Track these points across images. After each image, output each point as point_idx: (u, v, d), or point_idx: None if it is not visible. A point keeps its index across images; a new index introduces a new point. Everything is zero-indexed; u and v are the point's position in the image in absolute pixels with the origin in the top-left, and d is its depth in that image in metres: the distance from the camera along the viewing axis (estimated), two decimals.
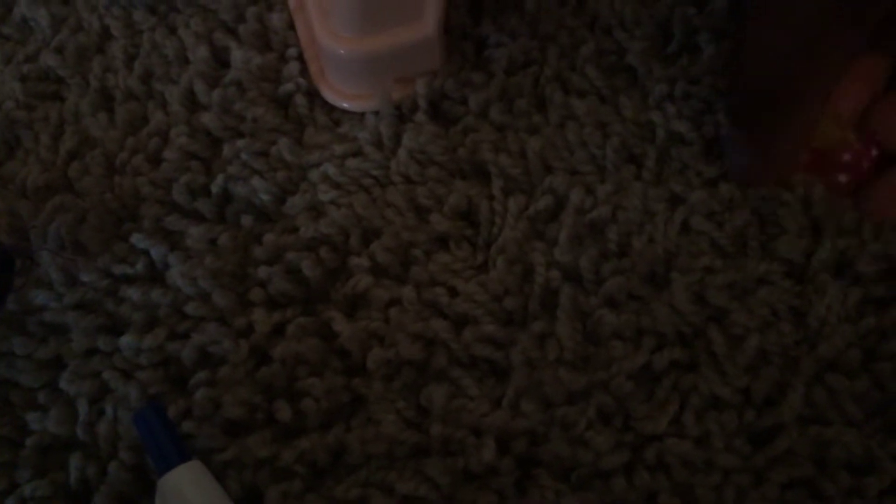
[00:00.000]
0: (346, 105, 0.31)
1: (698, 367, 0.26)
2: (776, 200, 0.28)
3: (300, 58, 0.32)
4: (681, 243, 0.28)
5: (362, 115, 0.31)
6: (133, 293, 0.27)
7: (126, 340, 0.26)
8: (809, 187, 0.28)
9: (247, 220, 0.29)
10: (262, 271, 0.27)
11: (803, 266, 0.28)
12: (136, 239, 0.28)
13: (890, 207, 0.25)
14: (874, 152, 0.25)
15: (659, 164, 0.29)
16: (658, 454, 0.25)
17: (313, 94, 0.31)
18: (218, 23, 0.33)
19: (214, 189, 0.29)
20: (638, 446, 0.25)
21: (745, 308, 0.27)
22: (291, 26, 0.33)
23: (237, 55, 0.32)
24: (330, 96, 0.31)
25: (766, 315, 0.27)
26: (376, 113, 0.31)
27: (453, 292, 0.27)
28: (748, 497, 0.24)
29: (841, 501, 0.24)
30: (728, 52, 0.30)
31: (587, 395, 0.26)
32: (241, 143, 0.30)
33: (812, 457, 0.25)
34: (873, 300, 0.27)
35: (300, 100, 0.31)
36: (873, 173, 0.25)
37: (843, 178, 0.26)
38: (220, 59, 0.32)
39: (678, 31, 0.32)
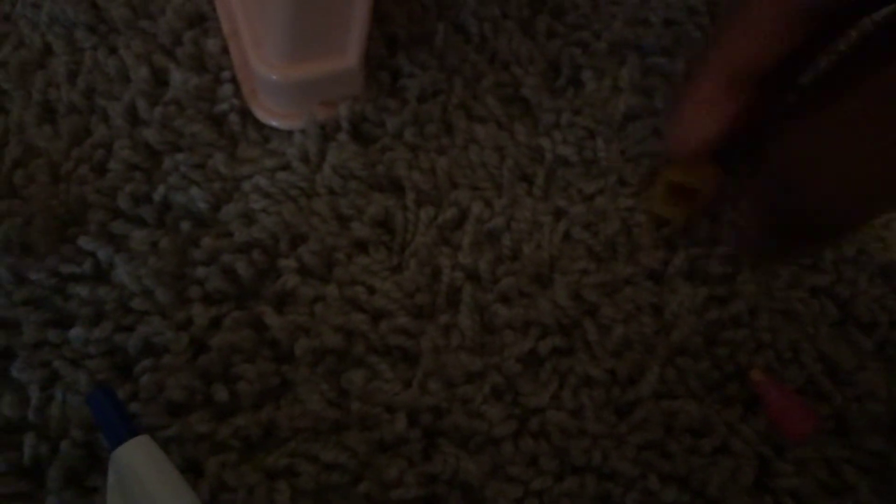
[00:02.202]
0: (275, 123, 0.35)
1: (575, 352, 0.31)
2: (637, 218, 0.33)
3: (233, 80, 0.36)
4: (563, 249, 0.33)
5: (290, 132, 0.35)
6: (81, 290, 0.30)
7: (75, 332, 0.29)
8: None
9: (185, 226, 0.32)
10: (200, 271, 0.31)
11: (661, 270, 0.33)
12: (83, 241, 0.31)
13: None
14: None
15: (546, 182, 0.35)
16: (540, 423, 0.30)
17: (245, 113, 0.35)
18: (156, 45, 0.36)
19: (156, 197, 0.32)
20: (524, 418, 0.30)
21: (614, 303, 0.32)
22: (225, 51, 0.36)
23: (176, 76, 0.35)
24: (261, 115, 0.35)
25: (631, 309, 0.32)
26: (303, 131, 0.34)
27: (371, 290, 0.32)
28: (611, 457, 0.29)
29: (682, 458, 0.29)
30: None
31: (483, 375, 0.30)
32: (179, 156, 0.33)
33: (663, 424, 0.30)
34: (716, 298, 0.33)
35: (234, 118, 0.35)
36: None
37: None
38: (160, 79, 0.35)
39: (565, 68, 0.37)
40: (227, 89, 0.35)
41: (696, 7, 0.40)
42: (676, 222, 0.33)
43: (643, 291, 0.33)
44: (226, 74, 0.35)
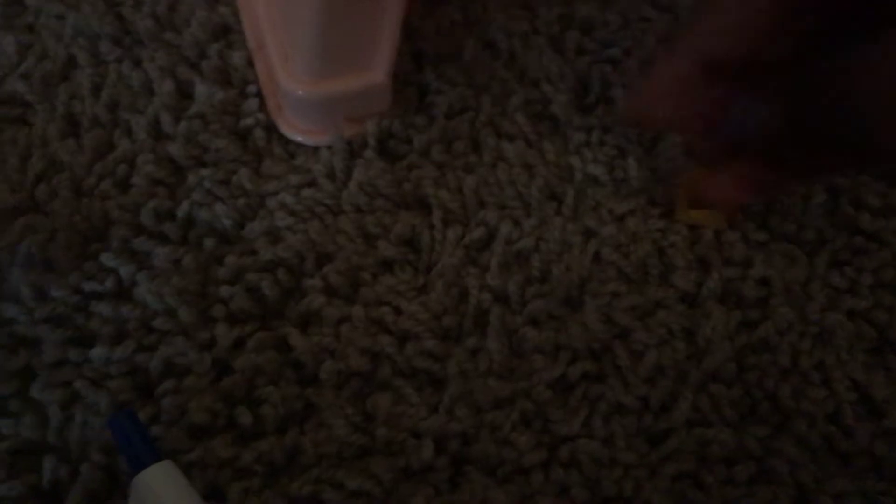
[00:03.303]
0: (300, 139, 0.34)
1: (606, 378, 0.30)
2: (669, 240, 0.33)
3: (259, 94, 0.35)
4: (593, 271, 0.32)
5: (316, 148, 0.34)
6: (103, 308, 0.29)
7: (97, 352, 0.29)
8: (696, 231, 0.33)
9: (209, 243, 0.31)
10: (225, 290, 0.30)
11: (694, 293, 0.32)
12: (106, 258, 0.30)
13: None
14: None
15: (576, 201, 0.34)
16: (571, 452, 0.29)
17: (270, 128, 0.35)
18: (181, 58, 0.36)
19: (180, 214, 0.32)
20: (554, 446, 0.29)
21: (646, 327, 0.31)
22: (250, 64, 0.36)
23: (201, 90, 0.34)
24: (286, 130, 0.34)
25: (663, 334, 0.31)
26: (329, 147, 0.34)
27: (397, 311, 0.31)
28: (644, 488, 0.28)
29: (717, 489, 0.29)
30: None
31: (512, 401, 0.29)
32: (204, 171, 0.33)
33: (696, 453, 0.29)
34: (747, 322, 0.32)
35: (259, 133, 0.34)
36: None
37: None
38: (184, 93, 0.35)
39: (595, 85, 0.36)
40: (252, 104, 0.35)
41: None
42: (709, 226, 0.33)
43: (675, 315, 0.32)
44: (251, 88, 0.35)
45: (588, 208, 0.34)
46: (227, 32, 0.37)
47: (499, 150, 0.34)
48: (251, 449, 0.28)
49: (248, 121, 0.34)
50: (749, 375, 0.31)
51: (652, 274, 0.33)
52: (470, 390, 0.29)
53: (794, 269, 0.33)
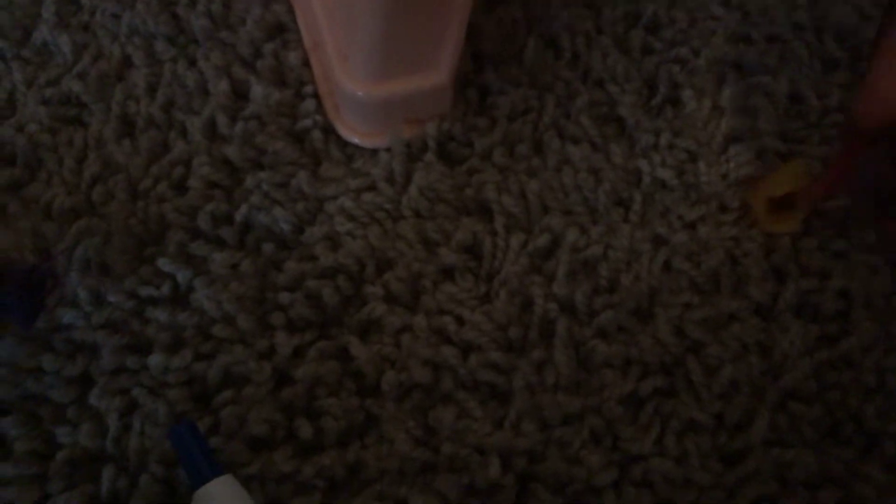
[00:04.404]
0: (357, 141, 0.33)
1: (678, 394, 0.29)
2: (743, 248, 0.31)
3: (315, 95, 0.34)
4: (663, 281, 0.31)
5: (374, 151, 0.33)
6: (159, 314, 0.29)
7: (154, 360, 0.28)
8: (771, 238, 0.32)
9: (268, 248, 0.31)
10: (284, 297, 0.29)
11: (770, 305, 0.31)
12: (162, 263, 0.30)
13: None
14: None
15: (644, 207, 0.32)
16: (643, 472, 0.28)
17: (328, 130, 0.34)
18: (236, 57, 0.35)
19: (237, 217, 0.31)
20: (625, 465, 0.28)
21: (719, 341, 0.30)
22: (306, 63, 0.35)
23: (257, 90, 0.34)
24: (344, 132, 0.33)
25: (737, 348, 0.30)
26: (388, 150, 0.33)
27: (460, 321, 0.30)
28: None
29: None
30: None
31: (581, 417, 0.28)
32: (262, 174, 0.32)
33: (775, 476, 0.28)
34: (827, 336, 0.31)
35: (316, 135, 0.33)
36: None
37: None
38: (239, 93, 0.34)
39: (663, 86, 0.35)
40: (308, 104, 0.34)
41: (802, 23, 0.37)
42: (791, 231, 0.32)
43: (750, 328, 0.30)
44: (308, 89, 0.34)
45: (657, 214, 0.32)
46: (283, 31, 0.36)
47: (563, 153, 0.33)
48: (312, 463, 0.27)
49: (305, 122, 0.33)
50: (830, 394, 0.29)
51: (725, 284, 0.31)
52: (536, 405, 0.28)
53: (875, 280, 0.31)
